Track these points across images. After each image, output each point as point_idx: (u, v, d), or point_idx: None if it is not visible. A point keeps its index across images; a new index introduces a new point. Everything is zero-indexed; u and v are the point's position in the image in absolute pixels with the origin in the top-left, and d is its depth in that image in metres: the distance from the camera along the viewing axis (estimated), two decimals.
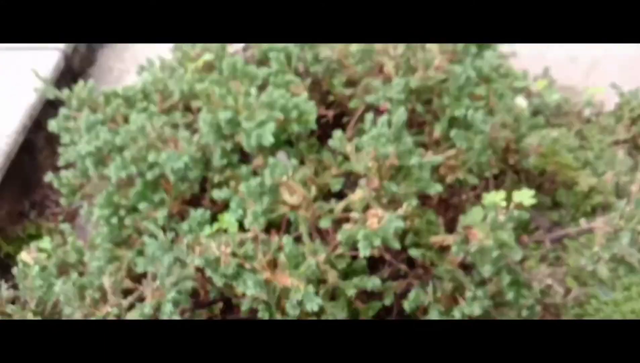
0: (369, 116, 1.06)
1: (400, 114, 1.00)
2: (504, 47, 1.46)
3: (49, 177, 1.31)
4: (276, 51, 1.34)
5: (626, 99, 1.47)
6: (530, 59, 1.85)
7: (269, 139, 1.05)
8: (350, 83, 1.34)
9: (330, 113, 1.37)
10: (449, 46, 1.21)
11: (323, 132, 1.34)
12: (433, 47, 1.22)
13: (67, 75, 1.74)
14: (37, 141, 1.59)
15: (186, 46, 1.45)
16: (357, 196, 0.99)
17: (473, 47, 1.17)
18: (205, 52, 1.43)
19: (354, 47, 1.25)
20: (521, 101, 1.44)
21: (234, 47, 1.55)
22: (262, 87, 1.28)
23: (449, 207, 1.24)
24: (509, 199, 1.02)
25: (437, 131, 1.19)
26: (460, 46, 1.18)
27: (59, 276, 1.21)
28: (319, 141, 1.29)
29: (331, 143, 1.10)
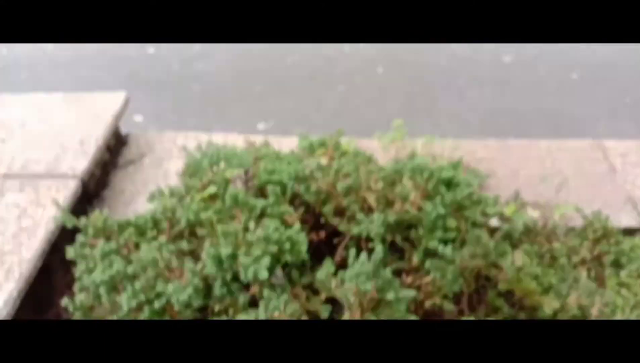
0: (352, 252, 1.20)
1: (378, 252, 1.15)
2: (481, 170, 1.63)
3: (64, 302, 1.43)
4: (273, 183, 1.52)
5: (589, 221, 1.62)
6: (505, 178, 2.04)
7: (263, 274, 1.19)
8: (339, 211, 1.50)
9: (322, 233, 1.53)
10: (422, 183, 1.38)
11: (316, 249, 1.48)
12: (408, 183, 1.39)
13: (83, 199, 1.92)
14: (53, 263, 1.72)
15: (194, 180, 1.63)
16: None
17: (443, 187, 1.34)
18: (210, 184, 1.60)
19: (340, 185, 1.42)
20: (493, 224, 1.59)
21: (236, 173, 1.73)
22: (260, 216, 1.44)
23: None
24: None
25: (415, 259, 1.33)
26: (431, 184, 1.35)
27: None
28: (312, 259, 1.42)
29: (318, 275, 1.23)
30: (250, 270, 1.21)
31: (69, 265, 1.54)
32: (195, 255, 1.44)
